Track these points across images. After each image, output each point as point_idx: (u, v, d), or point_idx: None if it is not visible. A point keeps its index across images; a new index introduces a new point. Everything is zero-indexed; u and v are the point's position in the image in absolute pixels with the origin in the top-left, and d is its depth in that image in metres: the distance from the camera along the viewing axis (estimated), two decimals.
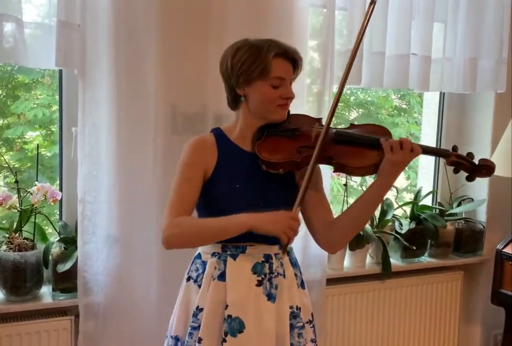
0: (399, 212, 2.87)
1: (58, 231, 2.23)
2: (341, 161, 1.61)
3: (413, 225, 2.77)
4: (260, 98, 1.63)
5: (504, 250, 2.68)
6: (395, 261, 2.78)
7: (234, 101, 1.70)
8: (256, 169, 1.65)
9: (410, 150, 1.60)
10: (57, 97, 2.35)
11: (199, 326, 1.63)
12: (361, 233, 2.57)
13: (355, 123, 1.80)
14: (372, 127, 1.74)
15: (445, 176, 2.98)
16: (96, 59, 2.07)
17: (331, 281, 2.58)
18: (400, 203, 2.88)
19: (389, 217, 2.74)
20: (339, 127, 1.79)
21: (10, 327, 2.10)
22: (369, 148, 1.64)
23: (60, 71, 2.26)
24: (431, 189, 3.03)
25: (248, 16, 2.22)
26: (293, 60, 1.65)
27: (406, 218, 2.85)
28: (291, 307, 1.68)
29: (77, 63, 2.04)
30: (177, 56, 2.15)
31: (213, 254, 1.67)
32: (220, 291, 1.63)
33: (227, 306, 1.61)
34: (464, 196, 3.00)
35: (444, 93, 2.97)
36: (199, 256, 1.72)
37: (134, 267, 2.18)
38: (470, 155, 1.68)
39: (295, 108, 2.29)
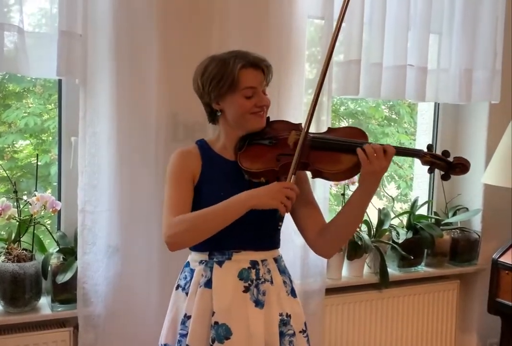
0: (395, 222, 2.88)
1: (57, 241, 2.21)
2: (317, 167, 1.61)
3: (410, 235, 2.78)
4: (235, 110, 1.66)
5: (500, 259, 2.70)
6: (392, 270, 2.79)
7: (212, 116, 1.75)
8: (240, 177, 1.67)
9: (384, 155, 1.57)
10: (48, 106, 2.35)
11: (187, 333, 1.65)
12: (359, 243, 2.58)
13: (332, 126, 1.78)
14: (348, 130, 1.73)
15: (440, 185, 3.00)
16: (97, 68, 2.07)
17: (329, 291, 2.58)
18: (395, 213, 2.90)
19: (386, 226, 2.75)
20: (315, 132, 1.77)
21: (8, 339, 2.07)
22: (344, 153, 1.61)
23: (60, 80, 2.25)
24: (426, 198, 3.05)
25: (249, 27, 2.24)
26: (261, 68, 1.67)
27: (403, 227, 2.86)
28: (280, 314, 1.68)
29: (78, 72, 2.04)
30: (178, 65, 2.15)
31: (200, 262, 1.70)
32: (206, 298, 1.65)
33: (213, 313, 1.63)
34: (459, 205, 3.02)
35: (438, 103, 3.00)
36: (187, 264, 1.75)
37: (135, 277, 2.16)
38: (446, 153, 1.65)
39: (294, 118, 2.33)
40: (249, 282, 1.65)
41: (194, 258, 1.73)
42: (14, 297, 2.07)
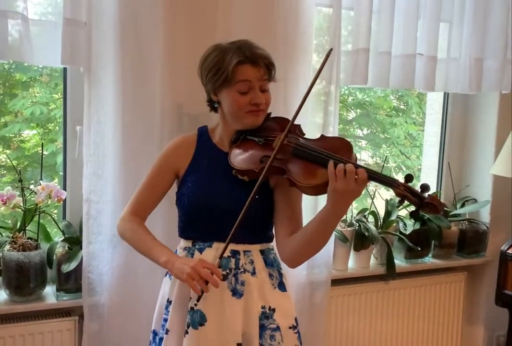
0: (403, 213, 2.86)
1: (62, 230, 2.21)
2: (291, 177, 1.54)
3: (417, 226, 2.76)
4: (229, 104, 1.65)
5: (508, 251, 2.68)
6: (399, 262, 2.77)
7: (211, 106, 1.75)
8: (230, 171, 1.65)
9: (355, 179, 1.45)
10: (55, 95, 2.33)
11: None
12: (366, 234, 2.57)
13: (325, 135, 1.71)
14: (337, 141, 1.65)
15: (448, 176, 2.98)
16: (102, 57, 2.05)
17: (335, 282, 2.57)
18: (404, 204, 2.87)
19: (393, 217, 2.73)
20: (307, 137, 1.68)
21: (13, 327, 2.07)
22: (321, 166, 1.52)
23: (65, 69, 2.24)
24: (434, 189, 3.02)
25: (255, 15, 2.21)
26: (261, 65, 1.62)
27: (410, 218, 2.84)
28: (263, 307, 1.66)
29: (83, 61, 2.02)
30: (183, 54, 2.13)
31: (184, 249, 1.72)
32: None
33: (190, 298, 1.63)
34: (467, 197, 3.00)
35: (448, 93, 2.96)
36: (175, 251, 1.76)
37: (139, 267, 2.15)
38: (423, 188, 1.51)
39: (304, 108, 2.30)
40: (227, 271, 1.64)
41: (180, 245, 1.75)
42: (19, 286, 2.07)
